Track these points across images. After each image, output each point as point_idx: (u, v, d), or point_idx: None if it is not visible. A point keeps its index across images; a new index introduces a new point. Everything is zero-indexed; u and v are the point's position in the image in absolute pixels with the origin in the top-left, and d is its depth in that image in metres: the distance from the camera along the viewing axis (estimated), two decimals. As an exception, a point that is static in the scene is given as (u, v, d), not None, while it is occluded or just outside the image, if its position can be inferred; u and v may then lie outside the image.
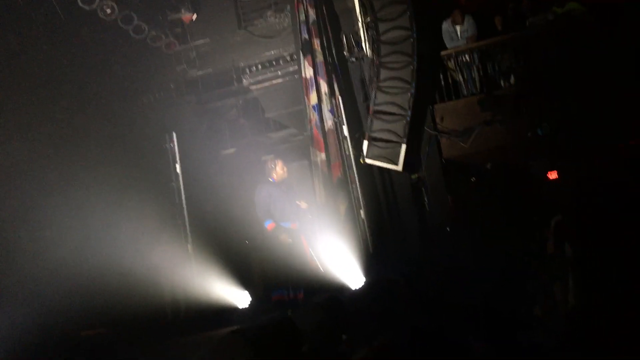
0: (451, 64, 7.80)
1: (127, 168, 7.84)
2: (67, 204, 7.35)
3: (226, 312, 7.05)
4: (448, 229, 7.44)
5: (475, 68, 7.68)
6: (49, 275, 6.92)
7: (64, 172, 7.37)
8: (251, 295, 7.27)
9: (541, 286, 4.75)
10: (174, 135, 7.88)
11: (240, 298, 7.22)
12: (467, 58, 7.71)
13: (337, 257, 6.91)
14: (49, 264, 6.99)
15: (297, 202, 6.81)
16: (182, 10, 8.45)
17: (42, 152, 7.36)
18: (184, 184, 7.83)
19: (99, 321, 7.34)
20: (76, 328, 7.25)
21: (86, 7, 7.54)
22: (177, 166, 7.83)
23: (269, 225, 6.72)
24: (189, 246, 7.61)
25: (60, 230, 7.41)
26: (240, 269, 7.39)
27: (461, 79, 7.74)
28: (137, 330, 6.95)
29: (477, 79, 7.66)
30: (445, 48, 7.85)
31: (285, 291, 6.63)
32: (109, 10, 7.70)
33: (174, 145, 7.85)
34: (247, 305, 7.21)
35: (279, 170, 6.89)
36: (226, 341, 2.90)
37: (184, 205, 7.78)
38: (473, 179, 8.10)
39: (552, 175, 7.98)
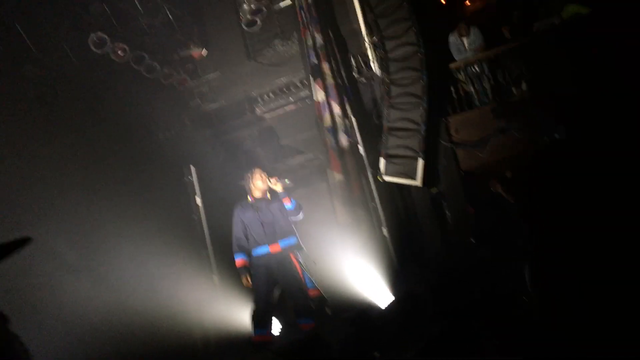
0: (461, 75, 7.82)
1: (147, 204, 7.92)
2: (89, 243, 7.43)
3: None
4: (472, 240, 7.36)
5: (485, 78, 7.69)
6: (74, 315, 6.94)
7: (85, 213, 7.46)
8: (281, 322, 7.20)
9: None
10: (192, 168, 7.96)
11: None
12: (477, 69, 7.72)
13: (362, 276, 6.85)
14: (72, 304, 7.03)
15: (270, 180, 5.86)
16: (192, 47, 8.65)
17: (70, 193, 7.47)
18: (205, 216, 7.87)
19: (131, 360, 7.32)
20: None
21: (98, 52, 7.78)
22: (198, 199, 7.88)
23: (237, 261, 6.01)
24: (215, 277, 7.60)
25: (82, 267, 7.47)
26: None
27: (472, 90, 7.76)
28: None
29: (488, 88, 7.66)
30: (454, 60, 7.89)
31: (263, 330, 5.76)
32: (120, 52, 7.96)
33: (192, 178, 7.91)
34: (278, 332, 7.15)
35: (256, 182, 5.92)
36: (257, 357, 2.89)
37: (207, 237, 7.80)
38: (493, 189, 8.02)
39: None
